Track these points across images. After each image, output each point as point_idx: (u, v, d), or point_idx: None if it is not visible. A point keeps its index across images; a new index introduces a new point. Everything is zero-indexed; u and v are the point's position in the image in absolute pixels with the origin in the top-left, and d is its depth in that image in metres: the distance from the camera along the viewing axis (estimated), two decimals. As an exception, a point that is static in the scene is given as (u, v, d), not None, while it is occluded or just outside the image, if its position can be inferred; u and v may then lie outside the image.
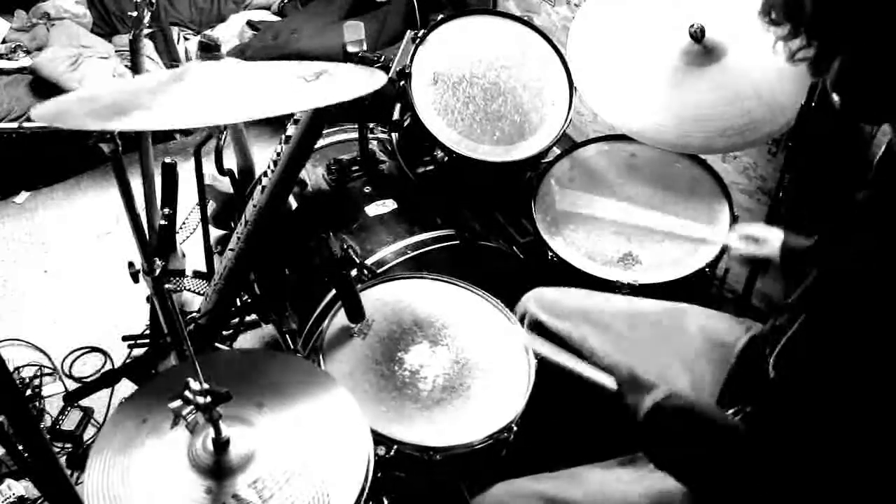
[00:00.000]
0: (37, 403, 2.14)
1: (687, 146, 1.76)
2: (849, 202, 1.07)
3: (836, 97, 0.96)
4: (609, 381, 1.17)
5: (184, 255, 2.32)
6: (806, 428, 1.02)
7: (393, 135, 1.97)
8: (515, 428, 1.37)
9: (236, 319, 1.89)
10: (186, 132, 3.21)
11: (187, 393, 1.00)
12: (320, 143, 2.08)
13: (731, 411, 1.19)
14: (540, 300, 1.55)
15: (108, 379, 1.68)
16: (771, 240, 1.46)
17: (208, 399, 1.01)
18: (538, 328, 1.50)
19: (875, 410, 0.93)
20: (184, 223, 2.54)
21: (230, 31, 3.43)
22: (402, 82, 1.79)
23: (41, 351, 2.32)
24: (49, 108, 1.04)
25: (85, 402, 1.92)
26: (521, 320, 1.55)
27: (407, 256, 1.74)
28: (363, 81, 1.13)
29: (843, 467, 0.97)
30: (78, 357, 2.33)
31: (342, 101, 1.05)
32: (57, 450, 1.98)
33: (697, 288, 1.74)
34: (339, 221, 1.88)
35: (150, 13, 1.82)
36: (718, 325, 1.42)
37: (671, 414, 1.10)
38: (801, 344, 1.07)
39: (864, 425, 0.95)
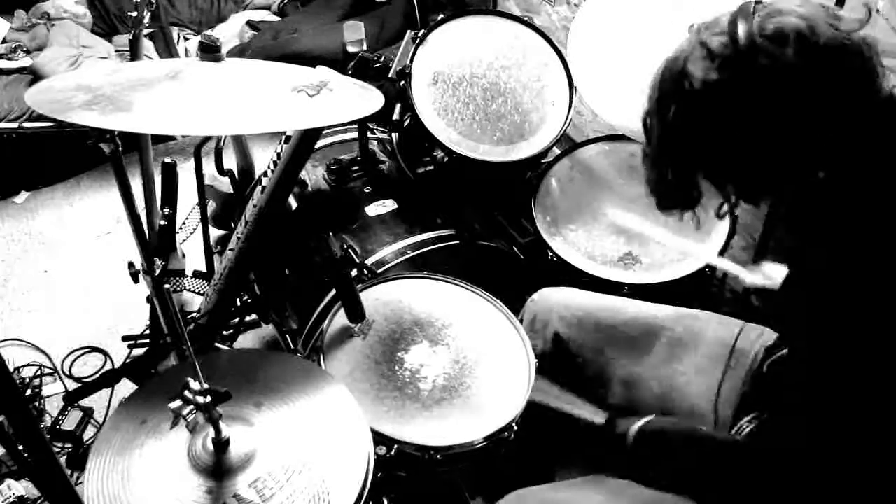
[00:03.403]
0: (37, 403, 2.14)
1: (687, 146, 1.76)
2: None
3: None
4: (597, 417, 1.22)
5: (184, 255, 2.32)
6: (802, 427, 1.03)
7: (393, 135, 1.97)
8: (516, 427, 1.37)
9: (236, 319, 1.90)
10: (186, 132, 3.20)
11: (187, 393, 1.00)
12: (320, 143, 2.08)
13: (747, 418, 1.19)
14: (548, 304, 1.53)
15: (108, 379, 1.68)
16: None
17: (208, 399, 1.01)
18: (552, 336, 1.48)
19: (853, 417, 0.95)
20: (184, 223, 2.54)
21: (230, 31, 3.43)
22: (402, 82, 1.79)
23: (41, 351, 2.32)
24: (42, 96, 1.03)
25: (85, 402, 1.91)
26: (530, 324, 1.54)
27: (407, 256, 1.74)
28: (361, 101, 1.14)
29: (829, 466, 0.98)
30: (78, 357, 2.33)
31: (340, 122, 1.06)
32: (57, 450, 1.97)
33: (697, 288, 1.74)
34: (339, 221, 1.88)
35: (150, 13, 1.82)
36: (733, 331, 1.39)
37: (656, 435, 1.15)
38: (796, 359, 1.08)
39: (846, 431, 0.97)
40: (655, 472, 1.17)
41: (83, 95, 1.01)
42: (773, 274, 1.41)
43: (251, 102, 1.10)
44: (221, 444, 1.07)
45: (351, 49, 1.82)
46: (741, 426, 1.20)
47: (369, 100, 1.18)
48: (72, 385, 2.23)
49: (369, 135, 2.04)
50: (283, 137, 1.56)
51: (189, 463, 1.08)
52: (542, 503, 1.23)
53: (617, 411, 1.26)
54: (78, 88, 1.04)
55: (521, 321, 1.54)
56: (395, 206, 1.92)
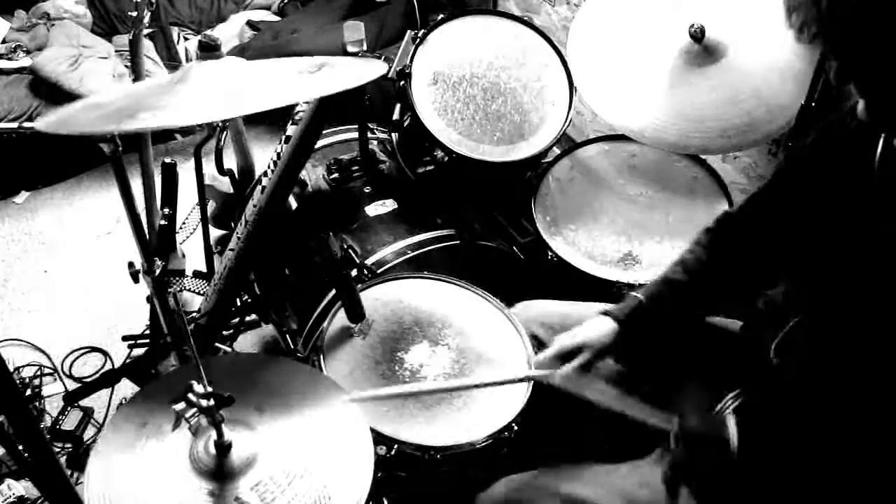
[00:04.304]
0: (37, 403, 2.14)
1: (687, 146, 1.76)
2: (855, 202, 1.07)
3: (861, 106, 0.96)
4: (666, 423, 1.12)
5: (184, 255, 2.31)
6: (806, 412, 1.03)
7: (393, 135, 1.97)
8: (516, 427, 1.37)
9: (236, 319, 1.90)
10: (186, 132, 3.20)
11: (191, 396, 1.00)
12: (320, 143, 2.08)
13: (731, 395, 1.19)
14: (530, 313, 1.54)
15: (108, 379, 1.68)
16: (588, 332, 1.29)
17: (211, 402, 1.01)
18: (534, 343, 1.48)
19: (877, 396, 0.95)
20: (184, 223, 2.53)
21: (230, 31, 3.43)
22: (402, 82, 1.79)
23: (41, 351, 2.32)
24: (55, 119, 1.04)
25: (85, 402, 1.91)
26: None
27: (407, 256, 1.74)
28: (363, 71, 1.12)
29: (839, 458, 0.99)
30: (78, 357, 2.33)
31: (345, 89, 1.04)
32: (57, 450, 1.98)
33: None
34: (339, 221, 1.88)
35: (150, 13, 1.82)
36: (714, 326, 1.42)
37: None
38: (805, 332, 1.08)
39: (865, 415, 0.98)
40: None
41: (95, 111, 1.02)
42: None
43: (257, 86, 1.10)
44: (223, 448, 1.07)
45: (351, 49, 1.82)
46: (726, 402, 1.20)
47: (370, 67, 1.16)
48: (72, 385, 2.23)
49: (369, 135, 2.04)
50: (283, 137, 1.56)
51: (191, 466, 1.08)
52: (532, 490, 1.26)
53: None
54: (87, 108, 1.05)
55: None
56: (395, 206, 1.92)
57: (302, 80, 1.10)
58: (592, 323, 1.30)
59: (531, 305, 1.57)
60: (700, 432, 1.08)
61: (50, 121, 1.04)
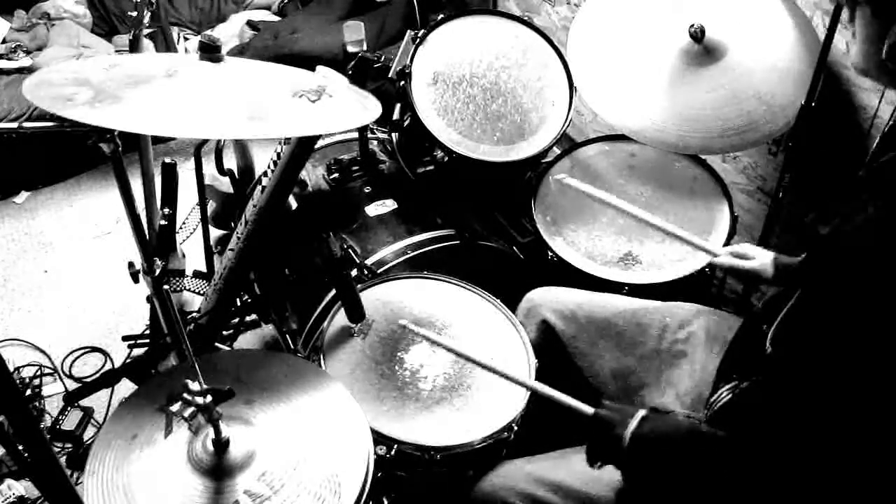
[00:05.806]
0: (37, 403, 2.14)
1: (687, 146, 1.76)
2: (848, 179, 1.07)
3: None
4: (585, 407, 1.18)
5: (184, 255, 2.32)
6: (803, 403, 1.03)
7: (393, 135, 1.97)
8: (516, 427, 1.37)
9: (236, 319, 1.90)
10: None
11: (187, 395, 1.00)
12: (320, 143, 2.08)
13: (727, 386, 1.20)
14: (545, 299, 1.56)
15: (108, 379, 1.68)
16: (760, 256, 1.47)
17: (209, 399, 1.01)
18: (545, 328, 1.51)
19: (873, 384, 0.95)
20: (184, 223, 2.54)
21: (230, 31, 3.43)
22: (402, 82, 1.78)
23: (41, 351, 2.32)
24: (36, 82, 1.03)
25: (85, 402, 1.91)
26: (523, 318, 1.56)
27: (407, 256, 1.74)
28: (360, 110, 1.14)
29: (839, 446, 0.99)
30: (78, 357, 2.33)
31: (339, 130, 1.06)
32: (57, 450, 1.98)
33: (697, 288, 1.74)
34: (339, 221, 1.88)
35: (150, 13, 1.82)
36: (720, 321, 1.45)
37: (652, 440, 1.10)
38: (799, 318, 1.09)
39: (862, 401, 0.97)
40: (650, 479, 1.14)
41: (77, 88, 1.00)
42: (753, 252, 1.47)
43: (252, 106, 1.09)
44: (222, 444, 1.07)
45: (351, 49, 1.82)
46: (720, 394, 1.21)
47: (368, 108, 1.19)
48: (72, 385, 2.23)
49: (369, 135, 2.04)
50: (284, 138, 1.56)
51: (192, 467, 1.08)
52: (516, 476, 1.29)
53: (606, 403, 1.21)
54: (74, 82, 1.03)
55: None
56: (395, 206, 1.92)
57: (299, 108, 1.09)
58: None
59: (545, 292, 1.59)
60: (604, 417, 1.14)
61: (34, 83, 1.03)
